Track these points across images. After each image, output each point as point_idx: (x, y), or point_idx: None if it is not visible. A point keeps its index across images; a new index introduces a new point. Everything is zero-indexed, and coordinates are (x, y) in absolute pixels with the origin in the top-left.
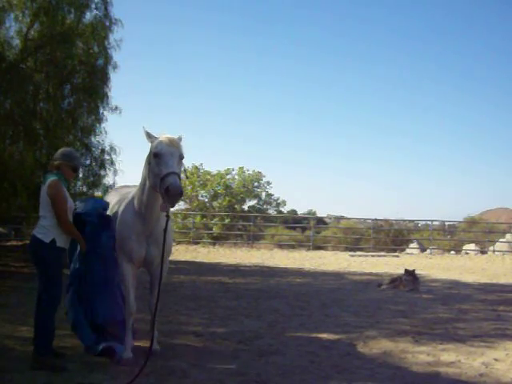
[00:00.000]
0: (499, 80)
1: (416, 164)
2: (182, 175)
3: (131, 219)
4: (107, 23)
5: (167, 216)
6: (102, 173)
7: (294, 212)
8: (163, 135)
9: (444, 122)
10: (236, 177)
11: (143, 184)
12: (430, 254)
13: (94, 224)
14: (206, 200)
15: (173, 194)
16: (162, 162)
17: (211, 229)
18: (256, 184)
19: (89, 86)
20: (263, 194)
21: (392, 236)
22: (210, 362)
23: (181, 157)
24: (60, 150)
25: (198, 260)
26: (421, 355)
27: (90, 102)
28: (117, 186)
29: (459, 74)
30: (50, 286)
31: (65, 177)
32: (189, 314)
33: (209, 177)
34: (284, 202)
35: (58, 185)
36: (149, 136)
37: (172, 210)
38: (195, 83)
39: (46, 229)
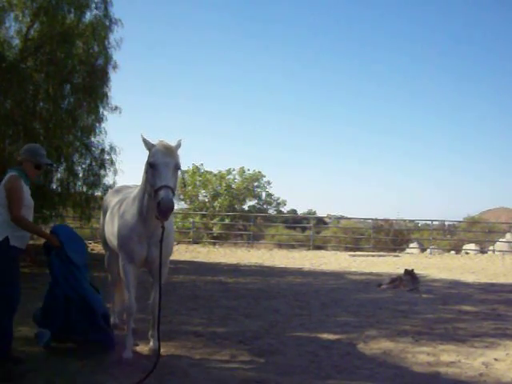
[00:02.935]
0: (499, 80)
1: (416, 164)
2: (181, 184)
3: (132, 220)
4: (107, 23)
5: (162, 227)
6: (102, 173)
7: (294, 212)
8: (161, 142)
9: (444, 122)
10: (237, 177)
11: (143, 187)
12: (430, 253)
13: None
14: (207, 200)
15: (163, 209)
16: (157, 173)
17: (211, 229)
18: (256, 184)
19: (89, 85)
20: (263, 193)
21: (392, 236)
22: (210, 362)
23: (176, 166)
24: (26, 145)
25: (197, 260)
26: (421, 355)
27: (89, 102)
28: (117, 186)
29: (459, 74)
30: (1, 284)
31: (26, 174)
32: (189, 314)
33: (209, 177)
34: (284, 202)
35: (16, 179)
36: (146, 143)
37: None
38: (195, 83)
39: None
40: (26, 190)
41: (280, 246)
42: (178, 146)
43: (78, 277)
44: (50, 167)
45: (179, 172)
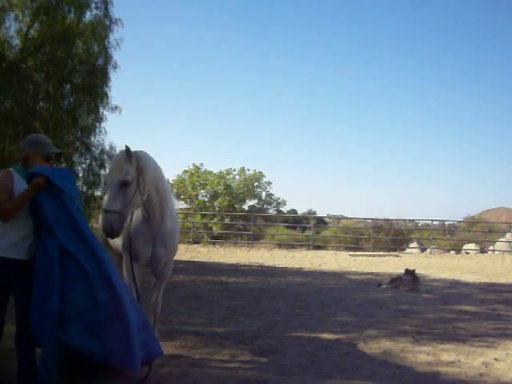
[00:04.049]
0: (499, 80)
1: (416, 164)
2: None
3: (137, 220)
4: (107, 23)
5: (130, 238)
6: (102, 172)
7: (294, 212)
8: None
9: (444, 122)
10: (237, 177)
11: None
12: (430, 253)
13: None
14: (206, 200)
15: (105, 234)
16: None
17: (211, 228)
18: (256, 184)
19: (89, 85)
20: (263, 193)
21: (392, 236)
22: (210, 362)
23: (121, 183)
24: (26, 138)
25: (197, 260)
26: (421, 355)
27: (89, 102)
28: None
29: (459, 74)
30: None
31: (26, 167)
32: (189, 314)
33: (209, 176)
34: (284, 202)
35: (4, 173)
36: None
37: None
38: (196, 83)
39: None
40: (20, 185)
41: (280, 245)
42: (125, 156)
43: (79, 220)
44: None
45: (130, 187)
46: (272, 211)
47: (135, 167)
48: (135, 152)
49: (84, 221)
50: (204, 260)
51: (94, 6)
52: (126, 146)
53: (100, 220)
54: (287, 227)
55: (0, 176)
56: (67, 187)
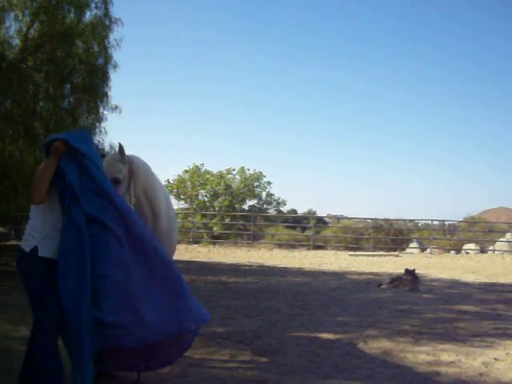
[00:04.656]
0: (499, 80)
1: (416, 164)
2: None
3: None
4: (107, 22)
5: None
6: None
7: (294, 212)
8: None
9: (444, 122)
10: (237, 177)
11: None
12: (430, 253)
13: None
14: (206, 200)
15: None
16: None
17: (211, 228)
18: (256, 184)
19: (89, 85)
20: (263, 193)
21: (392, 235)
22: (210, 362)
23: (111, 180)
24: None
25: (197, 260)
26: (421, 355)
27: (89, 102)
28: None
29: (459, 74)
30: (37, 314)
31: None
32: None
33: (209, 176)
34: (284, 202)
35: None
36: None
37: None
38: (196, 83)
39: (27, 233)
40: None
41: (280, 245)
42: (118, 155)
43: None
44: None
45: (121, 186)
46: (272, 211)
47: (127, 168)
48: (129, 155)
49: (109, 184)
50: (204, 260)
51: (93, 5)
52: (120, 144)
53: None
54: (287, 227)
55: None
56: (87, 150)
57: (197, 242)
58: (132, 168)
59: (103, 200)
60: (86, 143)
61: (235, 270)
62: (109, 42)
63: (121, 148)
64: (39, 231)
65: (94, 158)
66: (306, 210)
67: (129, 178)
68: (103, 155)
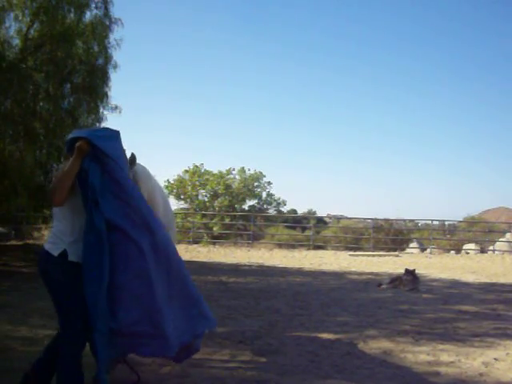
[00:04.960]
0: (499, 80)
1: (416, 164)
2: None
3: None
4: (107, 23)
5: None
6: None
7: (294, 212)
8: None
9: (444, 122)
10: (237, 177)
11: None
12: (430, 253)
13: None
14: (206, 200)
15: None
16: None
17: (211, 228)
18: (256, 184)
19: (89, 85)
20: (264, 193)
21: (392, 235)
22: (210, 362)
23: None
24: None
25: (197, 260)
26: (421, 355)
27: (89, 102)
28: None
29: (459, 74)
30: (63, 321)
31: None
32: None
33: (208, 176)
34: (284, 202)
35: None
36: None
37: (173, 209)
38: (196, 83)
39: (54, 235)
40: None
41: (280, 245)
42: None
43: (128, 189)
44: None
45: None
46: (272, 211)
47: (131, 176)
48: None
49: (134, 188)
50: (204, 260)
51: (93, 5)
52: (132, 154)
53: None
54: (287, 227)
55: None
56: (112, 150)
57: (197, 242)
58: (136, 178)
59: (126, 206)
60: (111, 142)
61: (235, 270)
62: (109, 42)
63: (132, 158)
64: (68, 235)
65: (118, 159)
66: (305, 210)
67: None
68: (134, 159)
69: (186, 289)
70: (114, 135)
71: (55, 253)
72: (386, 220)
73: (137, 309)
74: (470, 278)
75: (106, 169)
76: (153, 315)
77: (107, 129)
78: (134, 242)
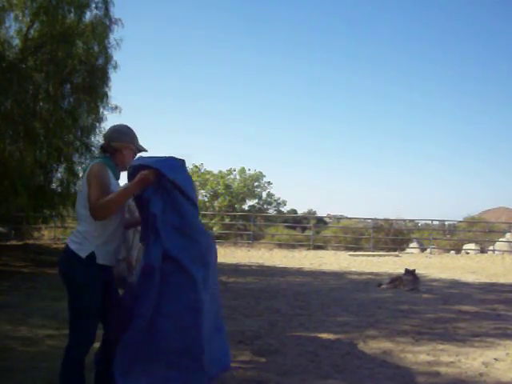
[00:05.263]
0: (499, 79)
1: (416, 163)
2: None
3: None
4: (107, 23)
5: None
6: None
7: (294, 212)
8: None
9: (444, 122)
10: (237, 177)
11: None
12: (430, 253)
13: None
14: (206, 200)
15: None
16: None
17: (211, 228)
18: (256, 184)
19: (89, 85)
20: (264, 193)
21: (392, 236)
22: None
23: None
24: (115, 127)
25: None
26: (421, 355)
27: (89, 102)
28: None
29: (459, 73)
30: (81, 322)
31: (116, 163)
32: None
33: (208, 176)
34: (284, 202)
35: (103, 167)
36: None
37: None
38: (196, 82)
39: (81, 236)
40: (114, 184)
41: (280, 245)
42: None
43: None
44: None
45: (127, 232)
46: (272, 211)
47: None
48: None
49: (198, 220)
50: None
51: (94, 6)
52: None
53: None
54: (287, 227)
55: (99, 168)
56: (181, 181)
57: None
58: (131, 208)
59: (186, 238)
60: (180, 172)
61: (235, 270)
62: (109, 43)
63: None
64: (97, 236)
65: (186, 188)
66: (305, 210)
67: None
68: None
69: (220, 319)
70: (181, 164)
71: (83, 254)
72: (386, 220)
73: (178, 340)
74: (469, 278)
75: (170, 200)
76: (193, 349)
77: (174, 158)
78: (189, 274)
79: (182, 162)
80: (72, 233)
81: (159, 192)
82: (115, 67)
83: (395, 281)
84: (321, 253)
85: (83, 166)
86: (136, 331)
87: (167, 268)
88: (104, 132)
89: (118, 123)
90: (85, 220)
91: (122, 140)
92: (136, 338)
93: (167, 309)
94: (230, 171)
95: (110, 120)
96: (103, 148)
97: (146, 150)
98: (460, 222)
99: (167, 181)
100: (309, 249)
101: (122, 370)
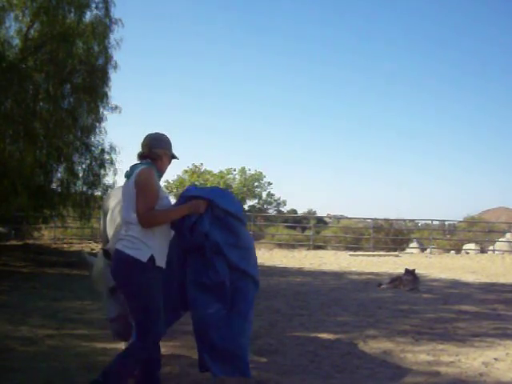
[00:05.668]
0: (500, 78)
1: (416, 163)
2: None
3: None
4: (107, 23)
5: None
6: (102, 172)
7: (294, 212)
8: None
9: (444, 121)
10: (237, 177)
11: None
12: (430, 253)
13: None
14: None
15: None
16: None
17: None
18: (256, 184)
19: (89, 85)
20: (264, 193)
21: (392, 235)
22: None
23: (110, 290)
24: (154, 135)
25: None
26: (421, 355)
27: (89, 102)
28: (117, 186)
29: (460, 72)
30: (147, 325)
31: (157, 168)
32: (188, 314)
33: (208, 176)
34: (284, 202)
35: (153, 173)
36: None
37: None
38: (196, 81)
39: (138, 241)
40: (161, 191)
41: (280, 245)
42: (105, 261)
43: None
44: None
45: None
46: (272, 211)
47: None
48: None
49: (247, 232)
50: None
51: (94, 6)
52: (104, 250)
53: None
54: (287, 227)
55: (150, 174)
56: (232, 207)
57: None
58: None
59: (244, 251)
60: (230, 200)
61: None
62: (109, 43)
63: (105, 253)
64: (153, 239)
65: (238, 213)
66: (306, 210)
67: None
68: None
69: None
70: (229, 193)
71: (144, 258)
72: (386, 220)
73: (244, 336)
74: (469, 278)
75: (224, 226)
76: (241, 339)
77: (223, 189)
78: (253, 279)
79: (228, 191)
80: (122, 238)
81: (214, 223)
82: (115, 67)
83: (395, 281)
84: (321, 253)
85: (83, 165)
86: (215, 328)
87: (235, 276)
88: (103, 132)
89: (154, 131)
90: (137, 225)
91: (162, 147)
92: (217, 334)
93: (238, 308)
94: (229, 171)
95: (110, 120)
96: (141, 155)
97: (178, 158)
98: (460, 222)
99: (220, 210)
100: (309, 249)
101: (210, 357)
